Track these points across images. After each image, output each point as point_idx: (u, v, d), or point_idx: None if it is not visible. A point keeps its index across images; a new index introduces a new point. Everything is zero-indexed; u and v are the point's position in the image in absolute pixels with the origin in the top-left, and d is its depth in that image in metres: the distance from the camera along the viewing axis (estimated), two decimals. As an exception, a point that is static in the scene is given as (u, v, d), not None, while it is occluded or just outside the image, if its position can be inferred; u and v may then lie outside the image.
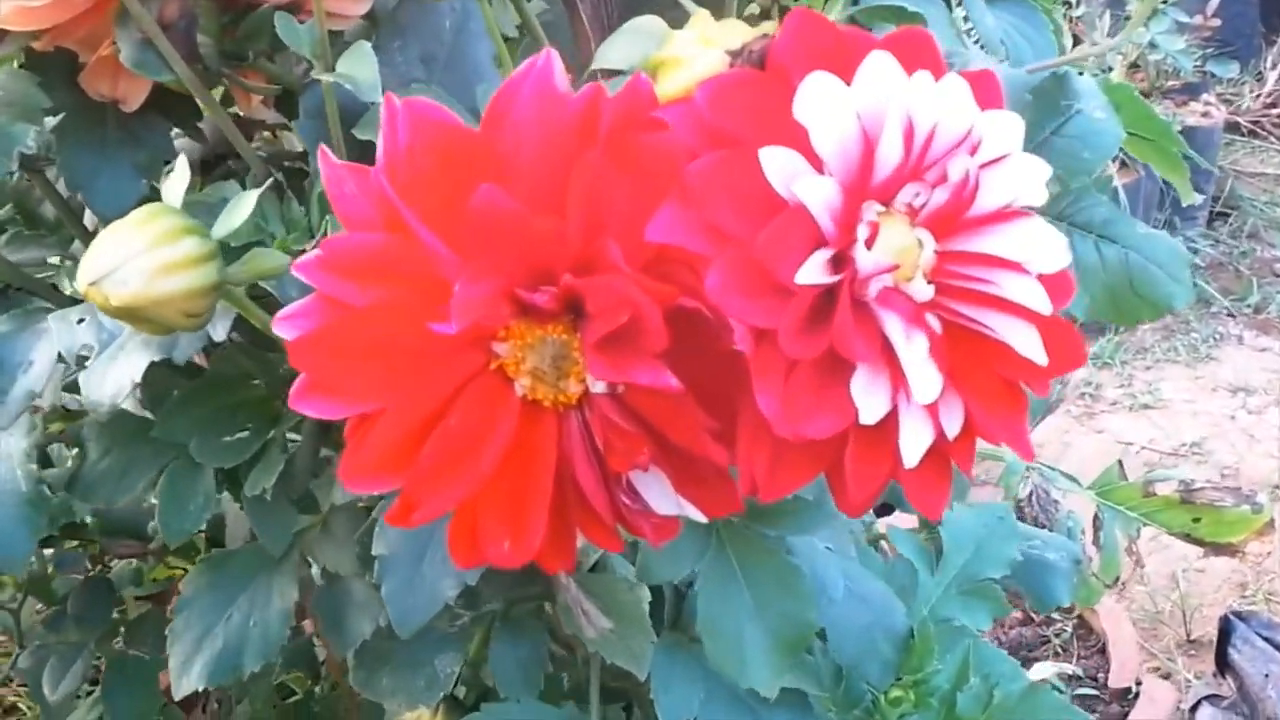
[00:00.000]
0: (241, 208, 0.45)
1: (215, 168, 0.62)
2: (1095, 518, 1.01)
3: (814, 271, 0.38)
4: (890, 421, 0.40)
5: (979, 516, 0.74)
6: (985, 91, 0.43)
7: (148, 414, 0.59)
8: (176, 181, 0.45)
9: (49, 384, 0.55)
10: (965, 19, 0.77)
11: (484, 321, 0.38)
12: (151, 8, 0.50)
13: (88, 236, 0.60)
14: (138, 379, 0.49)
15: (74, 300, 0.57)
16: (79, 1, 0.51)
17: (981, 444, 0.43)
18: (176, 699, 0.68)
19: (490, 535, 0.42)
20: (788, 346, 0.38)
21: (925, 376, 0.39)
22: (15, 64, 0.57)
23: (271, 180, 0.54)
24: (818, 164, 0.39)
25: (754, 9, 0.64)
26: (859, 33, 0.42)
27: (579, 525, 0.44)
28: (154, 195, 0.56)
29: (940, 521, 0.73)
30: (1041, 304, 0.40)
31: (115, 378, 0.48)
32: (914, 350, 0.39)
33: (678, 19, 0.47)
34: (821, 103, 0.39)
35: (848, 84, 0.40)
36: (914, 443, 0.40)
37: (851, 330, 0.38)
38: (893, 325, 0.39)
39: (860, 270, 0.39)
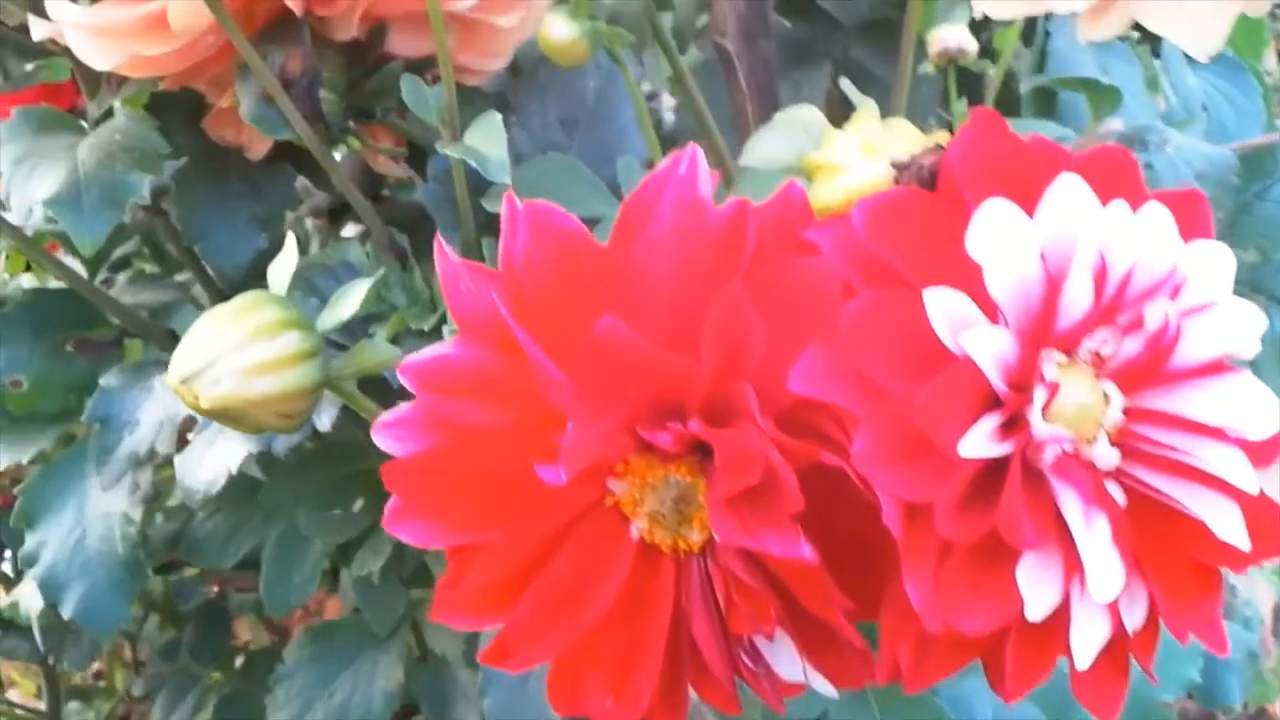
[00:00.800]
0: (350, 298, 0.41)
1: (344, 215, 0.59)
2: (1277, 606, 0.93)
3: (982, 441, 0.32)
4: (1060, 612, 0.34)
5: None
6: (1192, 216, 0.37)
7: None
8: (283, 264, 0.41)
9: (162, 435, 0.52)
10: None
11: (599, 461, 0.34)
12: (274, 62, 0.46)
13: (209, 282, 0.57)
14: (235, 469, 0.45)
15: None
16: (200, 50, 0.48)
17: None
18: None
19: (592, 690, 0.38)
20: (945, 528, 0.32)
21: (1106, 569, 0.33)
22: (140, 104, 0.54)
23: (390, 243, 0.50)
24: (991, 309, 0.33)
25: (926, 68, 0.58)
26: (1046, 146, 0.36)
27: (692, 682, 0.39)
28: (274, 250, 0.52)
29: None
30: (1246, 480, 0.34)
31: (211, 465, 0.45)
32: (1095, 537, 0.33)
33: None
34: (999, 237, 0.33)
35: (1030, 211, 0.34)
36: (1088, 641, 0.34)
37: (1022, 513, 0.33)
38: (1070, 504, 0.33)
39: (1036, 437, 0.33)
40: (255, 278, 0.54)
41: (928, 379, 0.33)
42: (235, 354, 0.39)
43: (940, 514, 0.32)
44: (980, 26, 0.59)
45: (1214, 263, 0.36)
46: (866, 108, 0.39)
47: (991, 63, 0.58)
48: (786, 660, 0.37)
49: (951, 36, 0.53)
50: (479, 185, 0.47)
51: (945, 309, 0.33)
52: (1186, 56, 0.64)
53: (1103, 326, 0.35)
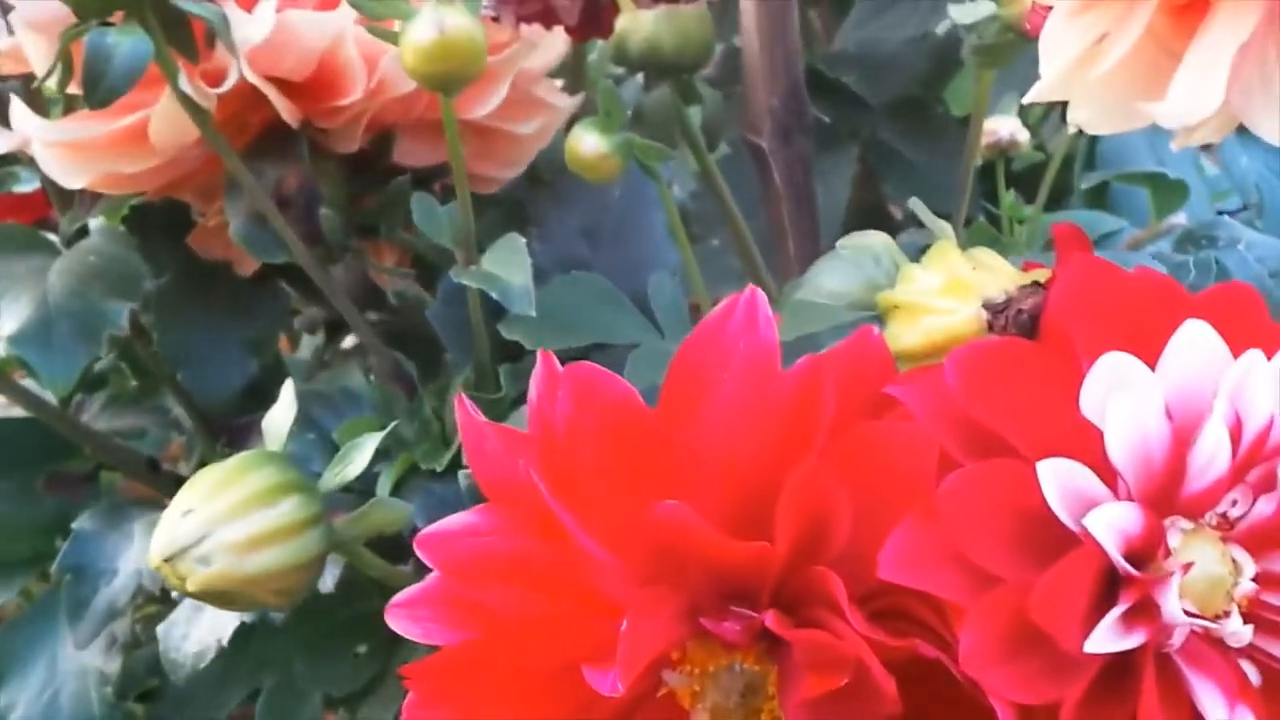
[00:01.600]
0: (360, 455, 0.36)
1: (343, 328, 0.54)
2: None
3: (1110, 635, 0.28)
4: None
5: None
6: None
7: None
8: (280, 415, 0.37)
9: (143, 581, 0.47)
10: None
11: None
12: (267, 180, 0.42)
13: (194, 407, 0.52)
14: (225, 642, 0.40)
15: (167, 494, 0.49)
16: (184, 165, 0.43)
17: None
18: None
19: None
20: (1072, 735, 0.28)
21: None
22: (118, 217, 0.49)
23: (395, 370, 0.45)
24: (1111, 478, 0.29)
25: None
26: (1159, 285, 0.32)
27: None
28: (265, 377, 0.48)
29: None
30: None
31: (199, 637, 0.40)
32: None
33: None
34: (1120, 396, 0.29)
35: (1149, 361, 0.30)
36: None
37: (1158, 713, 0.28)
38: (1209, 697, 0.29)
39: (1167, 621, 0.29)
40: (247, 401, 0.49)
41: (1043, 564, 0.28)
42: (227, 526, 0.34)
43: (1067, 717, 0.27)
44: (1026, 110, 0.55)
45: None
46: (946, 235, 0.34)
47: (1043, 154, 0.54)
48: None
49: (1004, 127, 0.49)
50: (494, 306, 0.42)
51: (1062, 482, 0.28)
52: (1240, 137, 0.60)
53: (1234, 488, 0.31)
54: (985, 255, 0.34)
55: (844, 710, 0.30)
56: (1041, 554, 0.28)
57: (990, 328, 0.32)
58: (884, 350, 0.32)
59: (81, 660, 0.47)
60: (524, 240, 0.40)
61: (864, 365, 0.32)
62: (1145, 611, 0.29)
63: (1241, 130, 0.32)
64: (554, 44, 0.48)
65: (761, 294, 0.32)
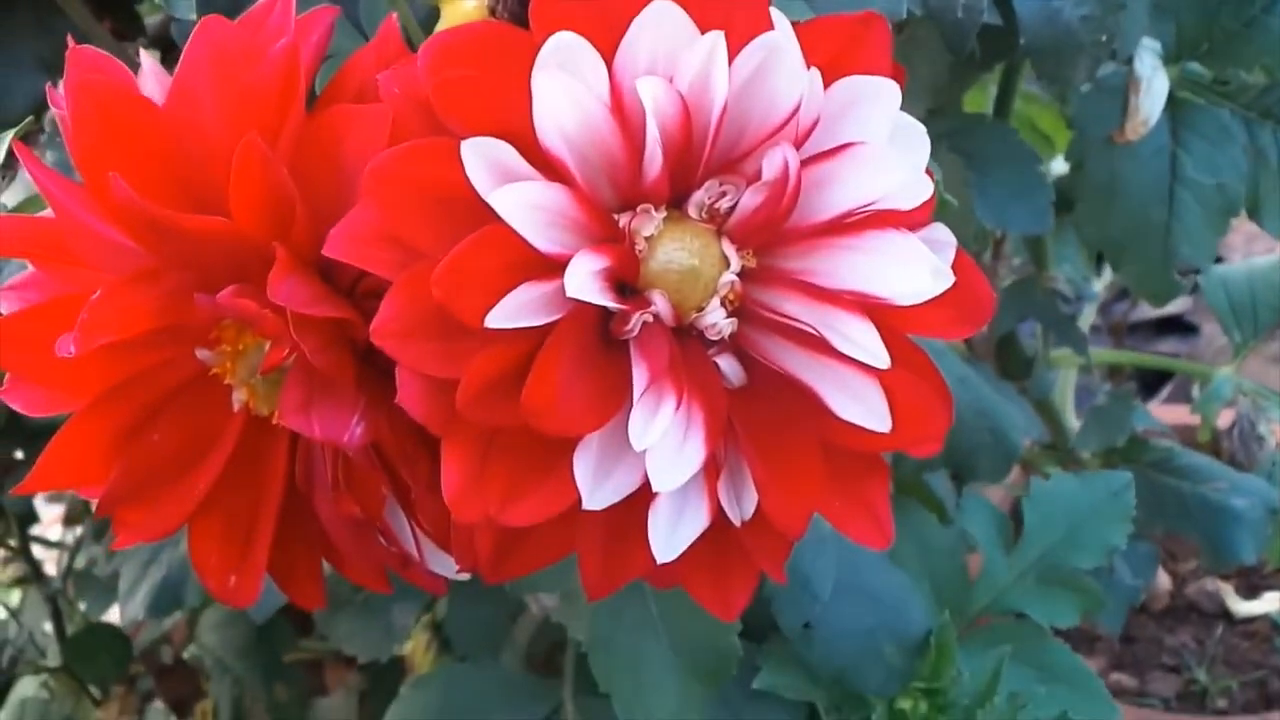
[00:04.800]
0: (1, 148, 0.38)
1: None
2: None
3: (516, 311, 0.28)
4: (643, 498, 0.30)
5: (1086, 488, 0.61)
6: (860, 44, 0.32)
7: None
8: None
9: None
10: None
11: (123, 335, 0.31)
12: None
13: None
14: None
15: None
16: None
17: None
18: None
19: (211, 568, 0.35)
20: (467, 409, 0.29)
21: (666, 455, 0.29)
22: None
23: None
24: (555, 163, 0.29)
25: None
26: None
27: (329, 559, 0.36)
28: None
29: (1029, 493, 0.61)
30: (874, 354, 0.30)
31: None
32: (656, 420, 0.29)
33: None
34: (547, 76, 0.28)
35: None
36: (668, 533, 0.30)
37: (552, 394, 0.29)
38: (637, 382, 0.29)
39: (568, 295, 0.29)
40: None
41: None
42: None
43: (463, 393, 0.28)
44: None
45: (869, 98, 0.31)
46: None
47: None
48: (409, 539, 0.34)
49: None
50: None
51: (486, 160, 0.29)
52: None
53: (717, 177, 0.31)
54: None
55: (318, 385, 0.31)
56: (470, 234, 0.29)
57: (492, 13, 0.32)
58: (398, 40, 0.32)
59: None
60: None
61: (384, 53, 0.33)
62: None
63: None
64: None
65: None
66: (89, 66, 0.32)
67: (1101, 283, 1.02)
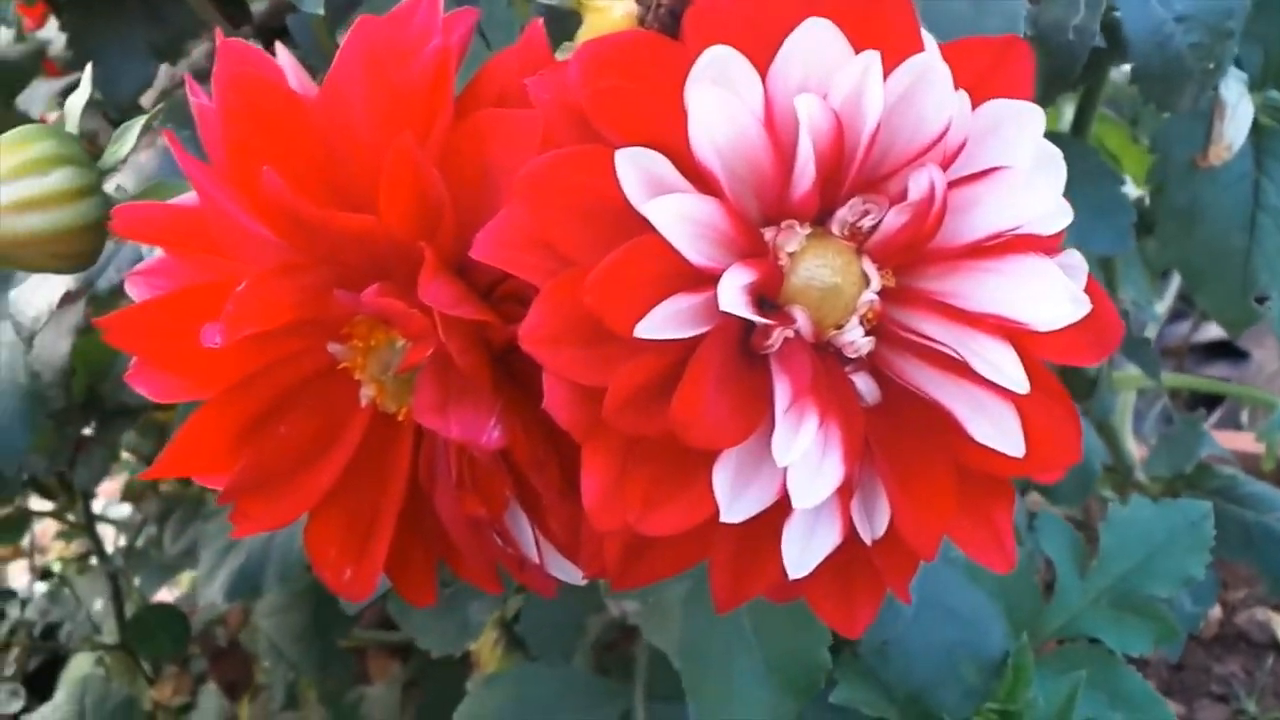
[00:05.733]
0: (131, 134, 0.39)
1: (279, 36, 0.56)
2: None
3: (666, 323, 0.28)
4: (777, 513, 0.30)
5: (1164, 516, 0.61)
6: (1002, 67, 0.32)
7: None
8: (77, 98, 0.40)
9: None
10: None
11: (265, 327, 0.31)
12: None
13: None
14: (55, 304, 0.44)
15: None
16: None
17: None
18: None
19: (327, 561, 0.36)
20: (615, 418, 0.29)
21: (807, 471, 0.29)
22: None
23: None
24: (708, 176, 0.29)
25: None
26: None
27: (444, 558, 0.37)
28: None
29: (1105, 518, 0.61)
30: (1013, 379, 0.30)
31: (38, 302, 0.44)
32: (799, 436, 0.29)
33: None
34: (703, 89, 0.29)
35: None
36: (801, 549, 0.30)
37: (701, 407, 0.29)
38: (779, 398, 0.29)
39: (722, 308, 0.29)
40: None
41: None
42: (-2, 189, 0.37)
43: (610, 401, 0.29)
44: None
45: (1014, 122, 0.31)
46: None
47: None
48: (529, 542, 0.35)
49: None
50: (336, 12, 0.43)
51: (640, 170, 0.29)
52: None
53: (861, 196, 0.31)
54: (676, -46, 0.33)
55: (456, 384, 0.31)
56: (620, 243, 0.29)
57: (642, 23, 0.32)
58: (544, 44, 0.33)
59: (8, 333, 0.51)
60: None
61: (529, 59, 0.33)
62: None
63: None
64: None
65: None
66: (240, 60, 0.32)
67: (1162, 305, 1.02)
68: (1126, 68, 0.54)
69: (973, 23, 0.44)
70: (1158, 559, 0.60)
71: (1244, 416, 1.39)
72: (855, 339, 0.30)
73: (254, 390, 0.34)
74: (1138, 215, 0.69)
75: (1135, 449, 0.93)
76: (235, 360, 0.34)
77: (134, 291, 0.36)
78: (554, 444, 0.32)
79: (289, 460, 0.35)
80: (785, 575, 0.30)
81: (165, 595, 1.01)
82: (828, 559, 0.30)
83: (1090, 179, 0.69)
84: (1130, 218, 0.68)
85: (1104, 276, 0.86)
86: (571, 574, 0.34)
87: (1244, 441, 1.09)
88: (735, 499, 0.29)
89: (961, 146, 0.30)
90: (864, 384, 0.31)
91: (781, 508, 0.30)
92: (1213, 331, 1.40)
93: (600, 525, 0.29)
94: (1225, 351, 1.52)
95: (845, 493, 0.30)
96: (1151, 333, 0.99)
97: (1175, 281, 1.10)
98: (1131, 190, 0.78)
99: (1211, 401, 1.37)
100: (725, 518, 0.29)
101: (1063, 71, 0.47)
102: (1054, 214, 0.31)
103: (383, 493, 0.35)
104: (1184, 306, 1.25)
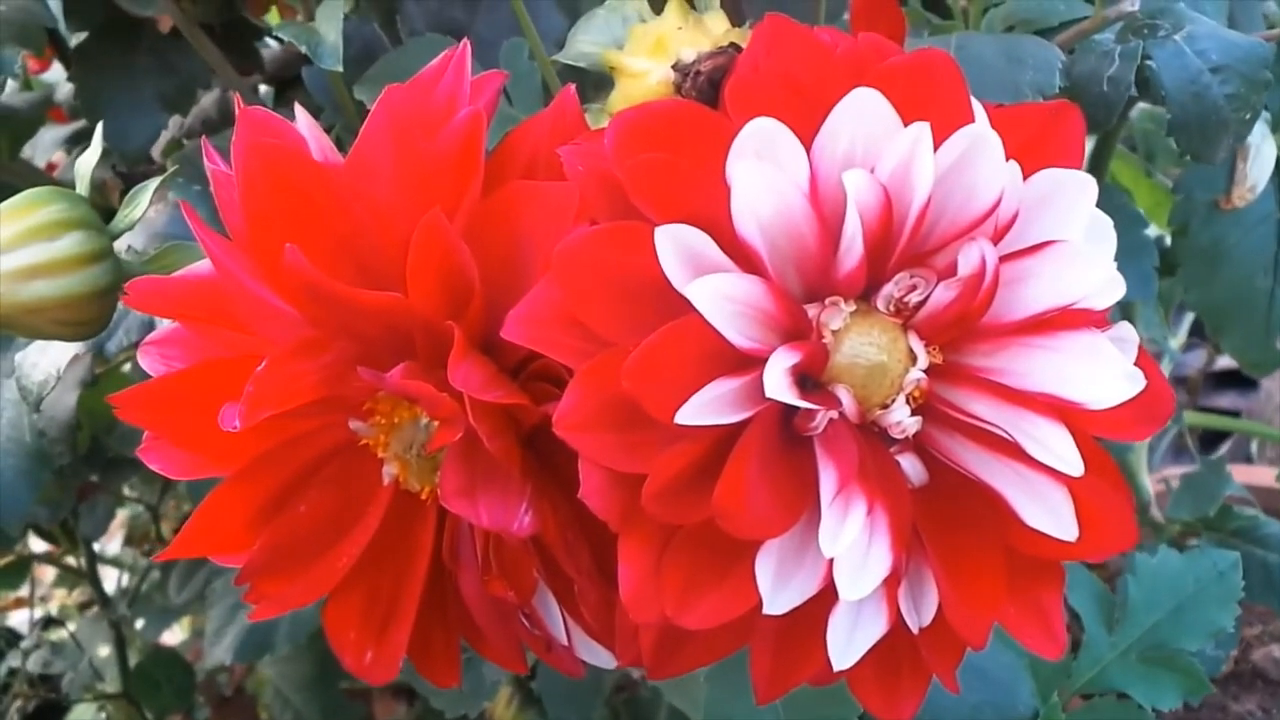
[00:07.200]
0: (144, 196, 0.37)
1: (290, 89, 0.55)
2: None
3: (709, 408, 0.27)
4: (821, 601, 0.29)
5: (1191, 566, 0.60)
6: (1053, 136, 0.31)
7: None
8: (87, 158, 0.38)
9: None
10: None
11: (286, 408, 0.30)
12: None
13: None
14: (61, 370, 0.43)
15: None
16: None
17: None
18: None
19: (347, 643, 0.34)
20: (654, 506, 0.27)
21: (853, 561, 0.28)
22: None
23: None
24: (750, 253, 0.28)
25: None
26: (861, 53, 0.30)
27: (468, 639, 0.35)
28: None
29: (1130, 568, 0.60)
30: (1067, 461, 0.28)
31: (44, 367, 0.43)
32: (846, 525, 0.28)
33: None
34: (747, 164, 0.27)
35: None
36: (847, 639, 0.29)
37: (743, 496, 0.27)
38: (825, 484, 0.28)
39: (768, 396, 0.27)
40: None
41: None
42: (4, 256, 0.36)
43: (650, 489, 0.27)
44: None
45: (1067, 192, 0.30)
46: (676, -5, 0.33)
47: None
48: (558, 625, 0.33)
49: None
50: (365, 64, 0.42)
51: (680, 248, 0.27)
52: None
53: (908, 270, 0.30)
54: (714, 19, 0.32)
55: (477, 470, 0.30)
56: (659, 323, 0.28)
57: (678, 90, 0.31)
58: (577, 111, 0.31)
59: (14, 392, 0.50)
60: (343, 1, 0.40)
61: (561, 126, 0.32)
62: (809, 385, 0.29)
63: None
64: None
65: (467, 50, 0.32)
66: (260, 128, 0.31)
67: (1176, 340, 1.01)
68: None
69: (1007, 75, 0.43)
70: (1186, 611, 0.59)
71: (1253, 446, 1.38)
72: (902, 419, 0.29)
73: (272, 467, 0.33)
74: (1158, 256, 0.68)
75: (1150, 485, 0.92)
76: (253, 437, 0.32)
77: (146, 363, 0.35)
78: (583, 526, 0.31)
79: (308, 539, 0.33)
80: (829, 665, 0.29)
81: (168, 636, 0.99)
82: (873, 647, 0.29)
83: (1114, 222, 0.68)
84: (1153, 261, 0.66)
85: (1121, 316, 0.85)
86: (602, 658, 0.33)
87: (1260, 475, 1.08)
88: (779, 590, 0.28)
89: (1013, 219, 0.29)
90: (910, 465, 0.30)
91: (826, 596, 0.28)
92: (1222, 360, 1.39)
93: (637, 617, 0.28)
94: (1235, 380, 1.51)
95: (893, 581, 0.29)
96: (1166, 368, 0.97)
97: (1188, 316, 1.09)
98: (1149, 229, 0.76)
99: (1221, 431, 1.36)
100: (769, 610, 0.28)
101: (1097, 123, 0.46)
102: (1108, 287, 0.30)
103: (405, 573, 0.34)
104: (1195, 340, 1.24)
